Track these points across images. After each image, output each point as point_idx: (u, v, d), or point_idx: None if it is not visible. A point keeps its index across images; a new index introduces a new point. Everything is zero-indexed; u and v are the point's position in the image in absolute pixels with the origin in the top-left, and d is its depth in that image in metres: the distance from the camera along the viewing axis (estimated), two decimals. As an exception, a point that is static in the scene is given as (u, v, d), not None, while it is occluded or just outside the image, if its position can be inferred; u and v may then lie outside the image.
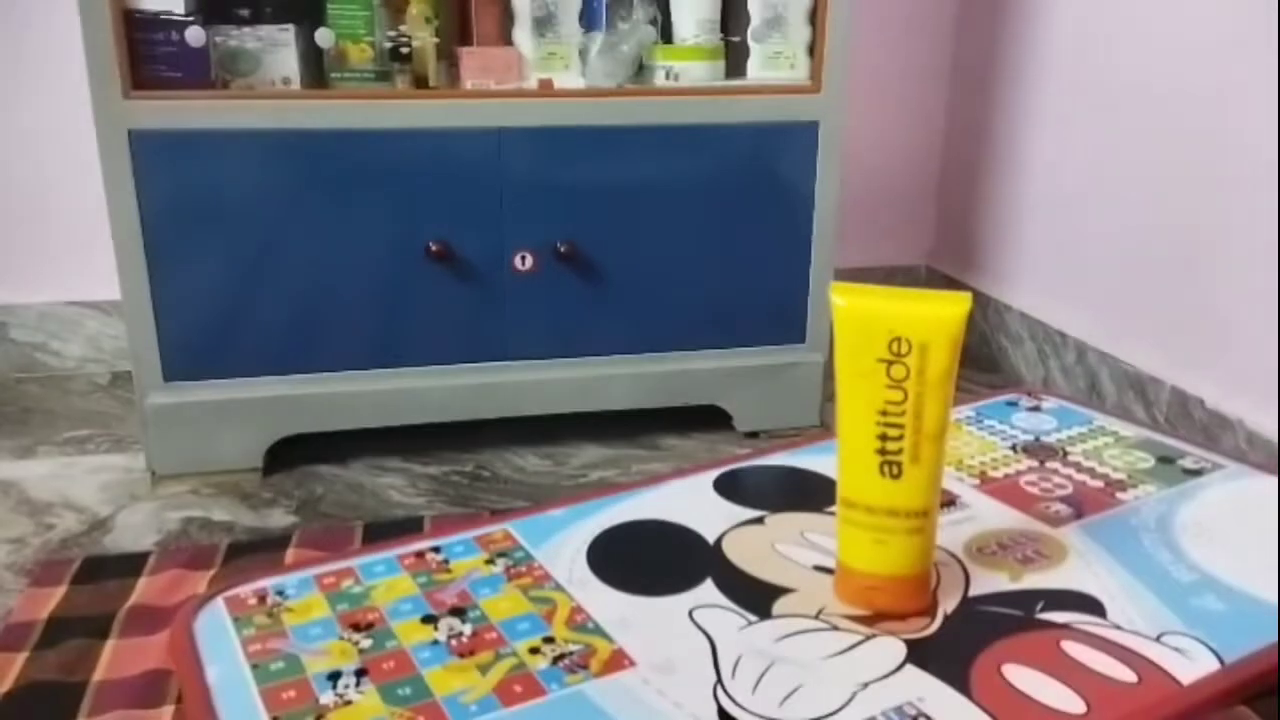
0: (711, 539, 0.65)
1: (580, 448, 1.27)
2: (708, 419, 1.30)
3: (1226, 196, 1.16)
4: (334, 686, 0.52)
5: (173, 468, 1.16)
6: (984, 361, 1.60)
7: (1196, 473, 0.72)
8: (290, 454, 1.20)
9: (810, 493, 0.70)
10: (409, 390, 1.18)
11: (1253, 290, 1.13)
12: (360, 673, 0.53)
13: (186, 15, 1.04)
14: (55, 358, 1.49)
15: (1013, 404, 0.84)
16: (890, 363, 0.55)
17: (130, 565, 1.00)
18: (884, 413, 0.55)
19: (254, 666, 0.53)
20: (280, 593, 0.60)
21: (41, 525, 1.07)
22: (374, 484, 1.17)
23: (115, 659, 0.86)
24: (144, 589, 0.96)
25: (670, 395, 1.27)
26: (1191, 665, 0.52)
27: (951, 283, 1.70)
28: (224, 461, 1.16)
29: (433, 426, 1.21)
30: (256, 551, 1.01)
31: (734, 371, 1.28)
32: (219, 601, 0.59)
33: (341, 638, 0.56)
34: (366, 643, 0.55)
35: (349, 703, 0.51)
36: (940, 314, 0.54)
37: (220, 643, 0.56)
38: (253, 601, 0.59)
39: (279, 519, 1.09)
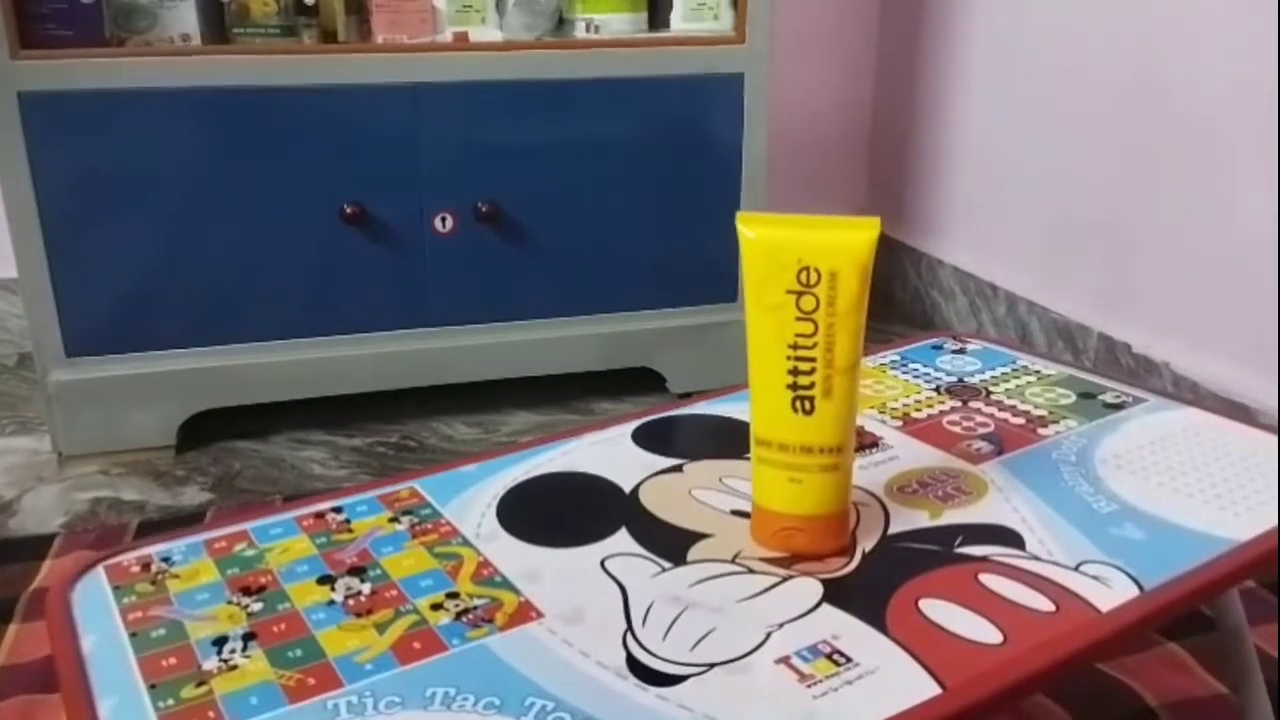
0: (628, 489, 0.63)
1: (511, 415, 1.24)
2: (642, 382, 1.28)
3: (1152, 147, 1.16)
4: (219, 652, 0.49)
5: (80, 447, 1.11)
6: (917, 317, 1.60)
7: (1118, 407, 0.71)
8: (206, 430, 1.16)
9: (731, 440, 0.69)
10: (329, 360, 1.14)
11: (1178, 236, 1.13)
12: (248, 636, 0.50)
13: (74, -32, 0.99)
14: (-42, 340, 1.42)
15: (937, 347, 0.83)
16: (799, 294, 0.53)
17: (35, 548, 0.96)
18: (794, 346, 0.53)
19: (132, 635, 0.50)
20: (166, 559, 0.57)
21: (-61, 511, 1.02)
22: (294, 458, 1.13)
23: (18, 644, 0.82)
24: (49, 572, 0.91)
25: (602, 358, 1.25)
26: (1110, 593, 0.51)
27: (884, 239, 1.69)
28: (135, 439, 1.12)
29: (356, 397, 1.18)
30: (168, 531, 0.97)
31: (666, 332, 1.25)
32: (99, 570, 0.56)
33: (230, 602, 0.53)
34: (256, 606, 0.52)
35: (234, 667, 0.48)
36: (849, 240, 0.52)
37: (98, 612, 0.52)
38: (136, 569, 0.56)
39: (193, 497, 1.05)
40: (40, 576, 0.91)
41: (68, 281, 1.05)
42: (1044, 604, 0.50)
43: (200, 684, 0.47)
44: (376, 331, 1.15)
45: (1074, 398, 0.73)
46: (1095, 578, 0.52)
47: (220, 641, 0.50)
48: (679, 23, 1.20)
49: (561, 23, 1.18)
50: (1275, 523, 0.56)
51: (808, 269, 0.52)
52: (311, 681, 0.46)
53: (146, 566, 0.56)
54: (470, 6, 1.11)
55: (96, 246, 1.05)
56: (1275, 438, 0.66)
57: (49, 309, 1.05)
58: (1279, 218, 1.03)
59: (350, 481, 1.07)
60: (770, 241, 0.54)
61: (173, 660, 0.48)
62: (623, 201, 1.19)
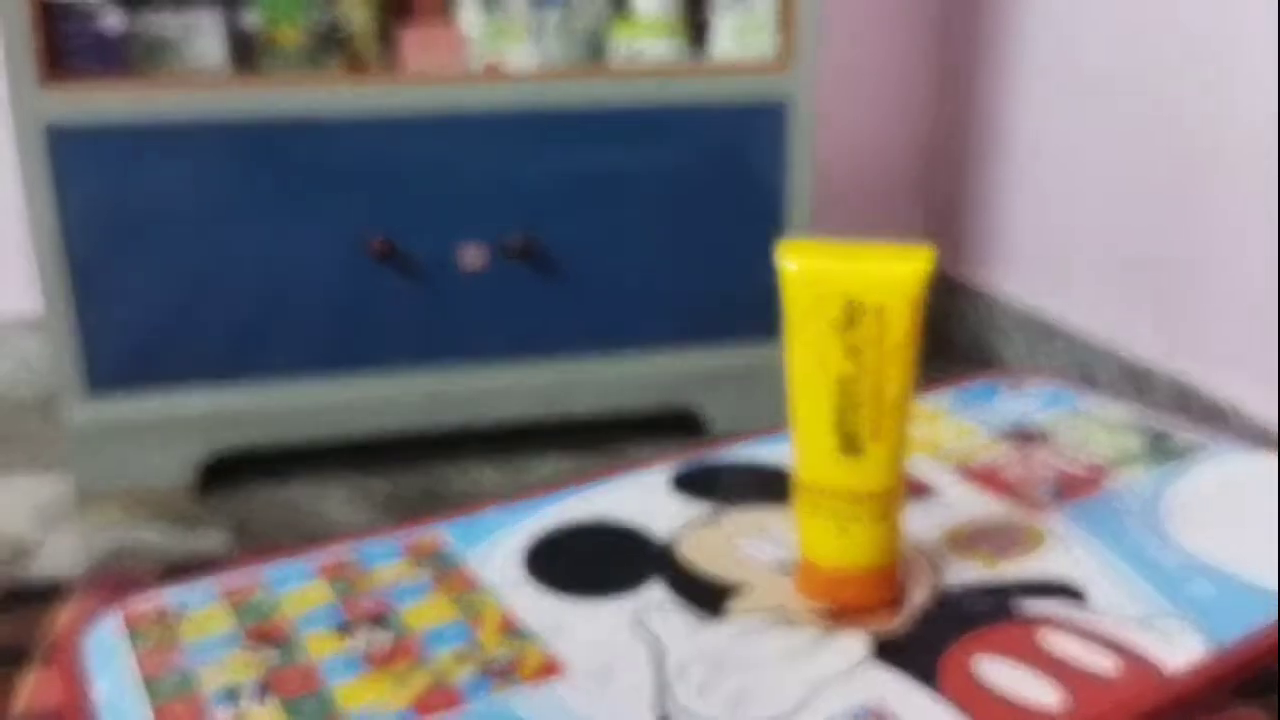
0: (664, 537, 0.60)
1: (541, 459, 1.21)
2: (681, 425, 1.25)
3: (1217, 183, 1.13)
4: (233, 702, 0.47)
5: (102, 488, 1.09)
6: (975, 357, 1.56)
7: (1187, 452, 0.67)
8: (229, 471, 1.14)
9: (773, 485, 0.65)
10: (355, 400, 1.12)
11: (1248, 276, 1.09)
12: (263, 687, 0.48)
13: (103, 1, 0.99)
14: (-14, 378, 1.42)
15: (995, 388, 0.80)
16: (845, 329, 0.50)
17: (54, 592, 0.94)
18: (840, 385, 0.50)
19: (147, 683, 0.48)
20: (181, 605, 0.55)
21: (-40, 552, 1.01)
22: (317, 501, 1.11)
23: (35, 689, 0.81)
24: (68, 616, 0.90)
25: (638, 399, 1.22)
26: (1179, 652, 0.47)
27: (942, 276, 1.65)
28: (156, 481, 1.10)
29: (382, 439, 1.16)
30: (188, 574, 0.95)
31: (706, 372, 1.22)
32: (114, 616, 0.54)
33: (244, 651, 0.50)
34: (272, 655, 0.50)
35: (248, 719, 0.45)
36: (897, 273, 0.49)
37: (111, 659, 0.51)
38: (150, 615, 0.54)
39: (214, 540, 1.03)
40: (60, 620, 0.89)
41: (91, 318, 1.04)
42: (1108, 664, 0.47)
43: (210, 738, 0.44)
44: (404, 369, 1.13)
45: (1140, 442, 0.69)
46: (1163, 636, 0.48)
47: (234, 692, 0.47)
48: (722, 49, 1.17)
49: (599, 49, 1.17)
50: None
51: (853, 303, 0.50)
52: (326, 738, 0.44)
53: (161, 613, 0.54)
54: (504, 32, 1.10)
55: (121, 282, 1.04)
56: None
57: (72, 347, 1.04)
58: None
59: (374, 527, 1.05)
60: (813, 274, 0.51)
61: (184, 710, 0.46)
62: (662, 235, 1.17)
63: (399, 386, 1.13)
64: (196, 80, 1.03)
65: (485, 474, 1.18)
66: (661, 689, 0.46)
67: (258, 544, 1.02)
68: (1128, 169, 1.25)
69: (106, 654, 0.51)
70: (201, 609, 0.54)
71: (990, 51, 1.51)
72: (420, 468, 1.18)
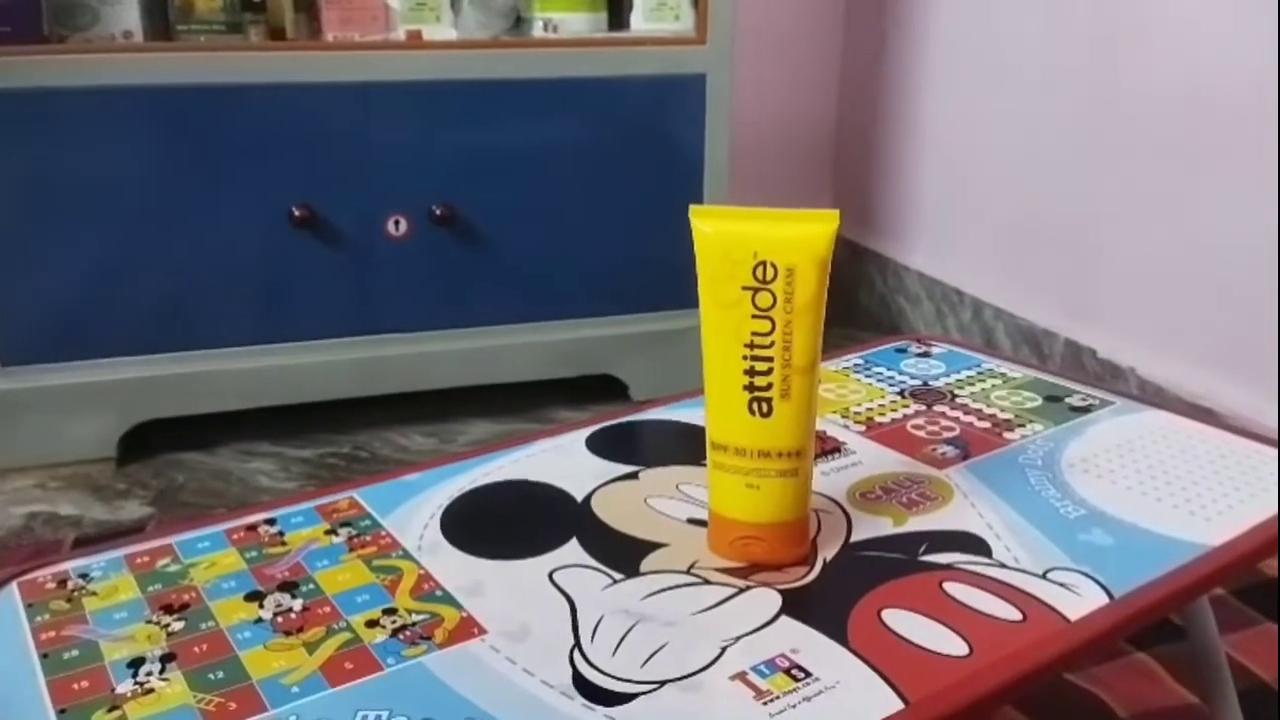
0: (580, 497, 0.60)
1: (468, 424, 1.21)
2: (604, 390, 1.26)
3: (1117, 152, 1.16)
4: (134, 674, 0.46)
5: (17, 460, 1.07)
6: (883, 322, 1.58)
7: (1084, 410, 0.69)
8: (150, 441, 1.12)
9: (689, 445, 0.66)
10: (277, 368, 1.11)
11: (1143, 240, 1.12)
12: (167, 658, 0.47)
13: (8, -39, 0.95)
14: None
15: (901, 350, 0.81)
16: (755, 290, 0.51)
17: (-37, 566, 0.91)
18: (751, 345, 0.51)
19: (44, 656, 0.47)
20: (84, 575, 0.53)
21: None
22: (241, 470, 1.09)
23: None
24: (-24, 590, 0.87)
25: (562, 365, 1.22)
26: (1079, 600, 0.49)
27: (850, 245, 1.68)
28: (74, 451, 1.07)
29: (307, 407, 1.14)
30: (100, 545, 0.93)
31: (628, 338, 1.23)
32: (12, 587, 0.53)
33: (149, 621, 0.50)
34: (178, 625, 0.49)
35: (150, 690, 0.45)
36: (806, 234, 0.50)
37: (9, 632, 0.49)
38: (51, 586, 0.53)
39: (133, 511, 1.01)
40: (-32, 595, 0.87)
41: (6, 288, 1.01)
42: (1011, 613, 0.48)
43: (112, 709, 0.43)
44: (327, 338, 1.12)
45: (1040, 401, 0.71)
46: (1063, 585, 0.50)
47: (136, 663, 0.46)
48: (639, 23, 1.18)
49: (519, 21, 1.16)
50: (1245, 529, 0.55)
51: (764, 264, 0.50)
52: (233, 706, 0.43)
53: (63, 583, 0.53)
54: (424, 4, 1.08)
55: (35, 251, 1.01)
56: (1246, 441, 0.64)
57: (-17, 316, 1.01)
58: None
59: (293, 494, 1.04)
60: (725, 235, 0.52)
61: (85, 683, 0.45)
62: (582, 205, 1.16)
63: (322, 354, 1.12)
64: (111, 46, 1.00)
65: (412, 439, 1.17)
66: (576, 648, 0.47)
67: (181, 515, 1.00)
68: (1027, 142, 1.28)
69: (4, 627, 0.49)
70: (107, 579, 0.53)
71: (898, 22, 1.53)
72: (346, 434, 1.17)
